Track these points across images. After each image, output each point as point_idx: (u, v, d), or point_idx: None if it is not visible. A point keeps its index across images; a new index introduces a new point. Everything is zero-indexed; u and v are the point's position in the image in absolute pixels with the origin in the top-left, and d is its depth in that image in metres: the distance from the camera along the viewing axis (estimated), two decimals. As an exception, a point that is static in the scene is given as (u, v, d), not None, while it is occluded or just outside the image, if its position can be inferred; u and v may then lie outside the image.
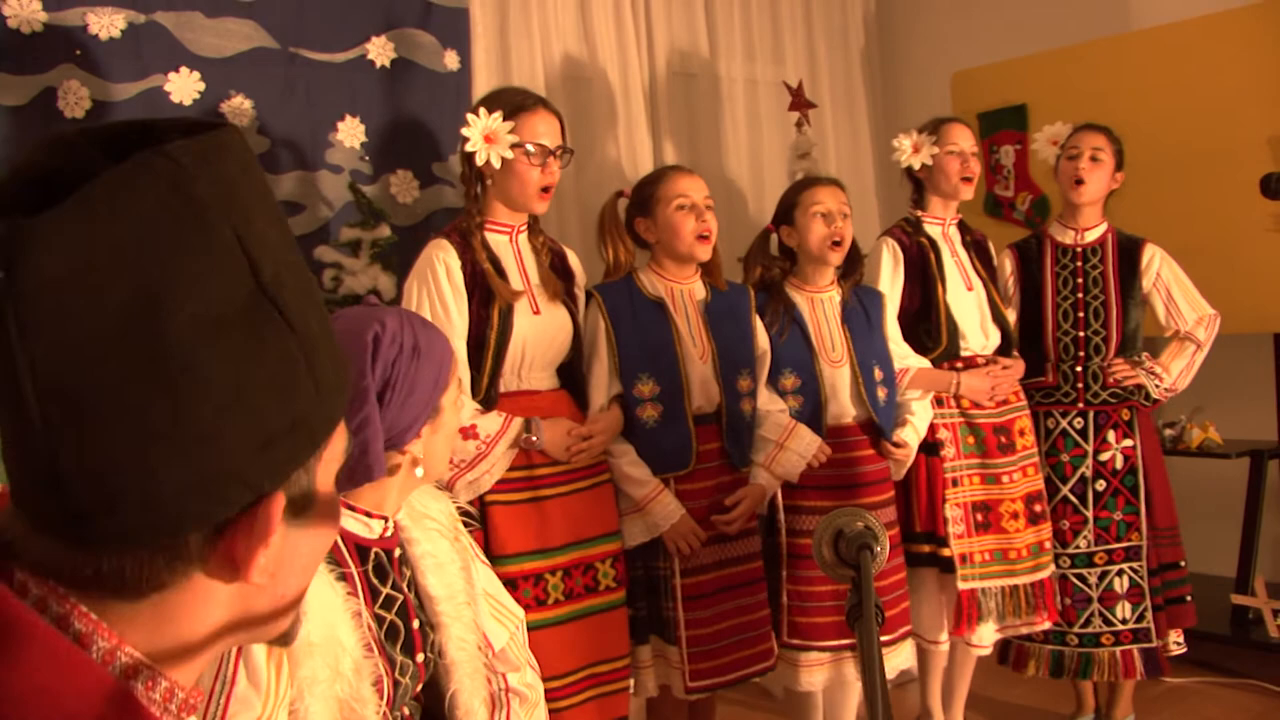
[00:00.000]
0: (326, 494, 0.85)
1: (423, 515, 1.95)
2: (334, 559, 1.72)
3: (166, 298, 0.70)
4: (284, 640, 0.90)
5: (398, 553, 1.87)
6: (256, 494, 0.76)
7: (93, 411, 0.71)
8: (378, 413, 1.69)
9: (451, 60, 3.55)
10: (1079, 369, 3.60)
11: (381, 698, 1.72)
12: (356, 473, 1.64)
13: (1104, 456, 3.58)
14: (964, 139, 3.60)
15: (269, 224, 0.77)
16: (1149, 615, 3.56)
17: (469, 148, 2.82)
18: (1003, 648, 3.75)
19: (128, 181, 0.71)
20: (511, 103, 2.88)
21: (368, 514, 1.81)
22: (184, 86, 3.06)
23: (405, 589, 1.86)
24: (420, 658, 1.84)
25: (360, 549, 1.80)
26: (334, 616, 1.65)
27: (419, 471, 1.81)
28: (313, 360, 0.78)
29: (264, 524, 0.77)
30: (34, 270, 0.68)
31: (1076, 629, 3.59)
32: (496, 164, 2.82)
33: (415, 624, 1.85)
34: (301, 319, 0.77)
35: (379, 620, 1.78)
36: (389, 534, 1.85)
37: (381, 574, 1.82)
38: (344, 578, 1.71)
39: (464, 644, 1.91)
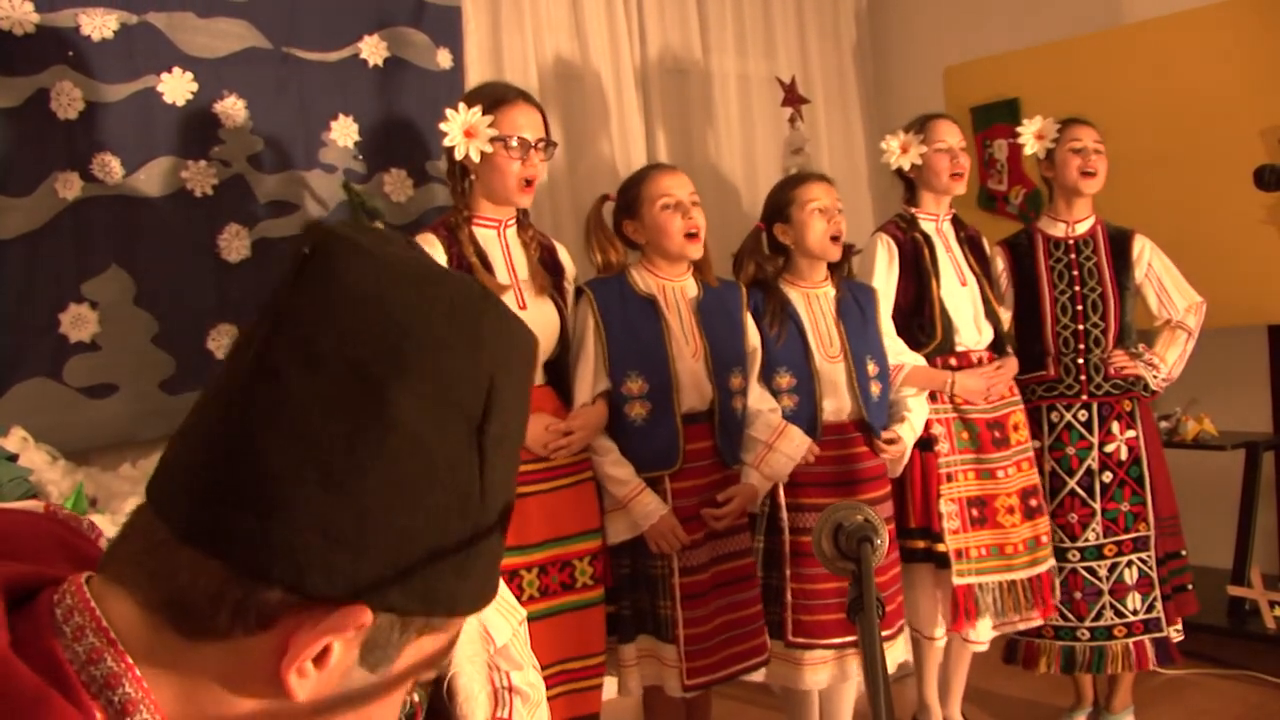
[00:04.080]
0: (395, 682, 0.80)
1: None
2: None
3: (410, 371, 0.73)
4: None
5: None
6: (353, 594, 0.72)
7: (292, 426, 0.72)
8: None
9: (444, 59, 3.55)
10: (1080, 361, 3.61)
11: None
12: None
13: (1109, 448, 3.59)
14: (951, 135, 3.60)
15: (517, 409, 0.80)
16: (1158, 605, 3.58)
17: (447, 142, 2.83)
18: (1010, 646, 3.75)
19: (447, 275, 0.78)
20: (491, 96, 2.89)
21: None
22: (177, 87, 3.05)
23: None
24: None
25: None
26: None
27: None
28: (476, 528, 0.77)
29: (340, 621, 0.72)
30: (327, 283, 0.74)
31: (1088, 623, 3.59)
32: (475, 158, 2.83)
33: None
34: (491, 487, 0.77)
35: None
36: None
37: None
38: None
39: (464, 625, 1.91)
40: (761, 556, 3.26)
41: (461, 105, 2.85)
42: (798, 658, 3.24)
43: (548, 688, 2.79)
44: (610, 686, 3.09)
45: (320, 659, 0.74)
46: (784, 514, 3.25)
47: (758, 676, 3.27)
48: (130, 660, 0.71)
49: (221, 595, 0.71)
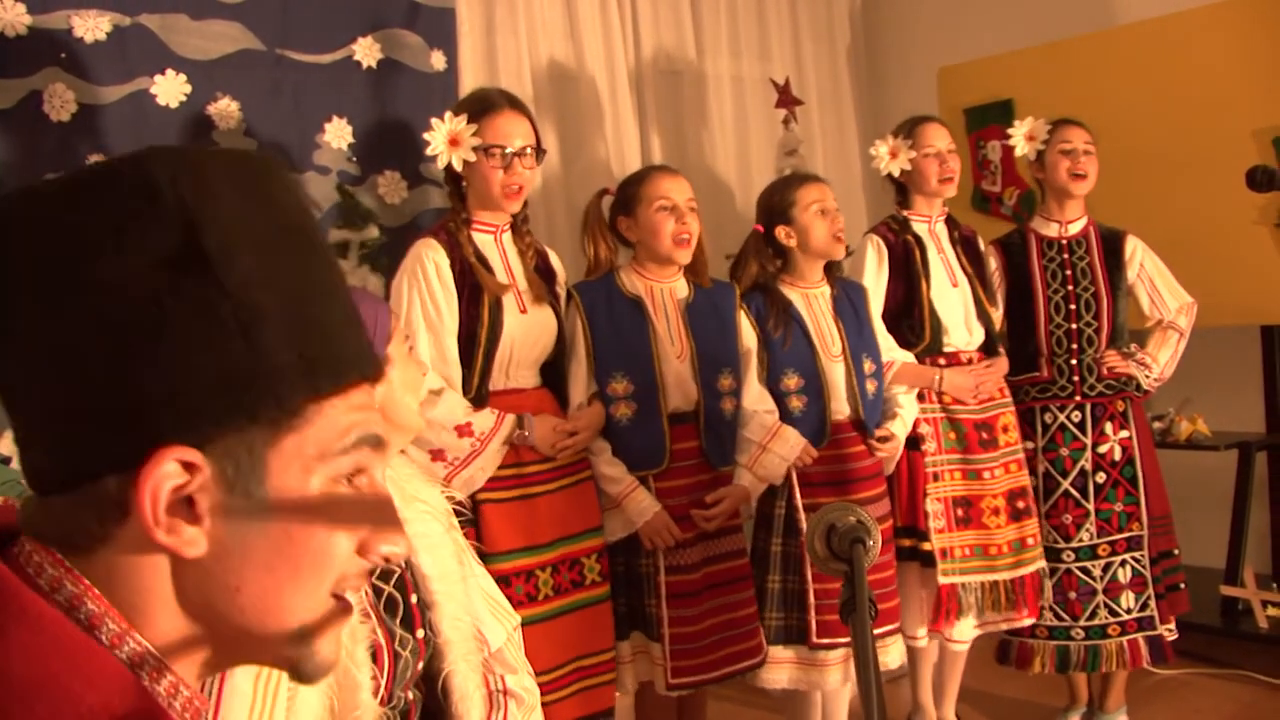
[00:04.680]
0: (292, 495, 0.83)
1: (413, 498, 1.97)
2: None
3: (98, 248, 0.78)
4: (298, 675, 0.88)
5: None
6: (158, 439, 0.77)
7: (21, 339, 0.80)
8: None
9: (438, 60, 3.55)
10: (1074, 362, 3.61)
11: (380, 667, 1.74)
12: None
13: (1102, 449, 3.60)
14: (939, 139, 3.61)
15: (247, 211, 0.82)
16: (1152, 603, 3.58)
17: (429, 151, 2.86)
18: (1004, 647, 3.76)
19: (112, 161, 0.82)
20: (477, 105, 2.92)
21: None
22: (170, 89, 3.05)
23: (401, 564, 1.88)
24: (420, 634, 1.86)
25: None
26: None
27: None
28: (251, 328, 0.80)
29: (149, 468, 0.77)
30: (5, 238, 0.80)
31: (1082, 622, 3.60)
32: (458, 166, 2.85)
33: (414, 599, 1.87)
34: (245, 290, 0.80)
35: (377, 591, 1.80)
36: None
37: None
38: None
39: (458, 623, 1.93)
40: (779, 561, 3.27)
41: (448, 114, 2.87)
42: (822, 660, 3.24)
43: (564, 686, 2.83)
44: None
45: (190, 513, 0.79)
46: (801, 515, 3.25)
47: (774, 685, 3.27)
48: (87, 582, 0.79)
49: (79, 508, 0.80)
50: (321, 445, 0.84)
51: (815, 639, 3.22)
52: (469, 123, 2.84)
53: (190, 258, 0.79)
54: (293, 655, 0.86)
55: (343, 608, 0.89)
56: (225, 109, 3.14)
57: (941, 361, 3.54)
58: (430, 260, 2.80)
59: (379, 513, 0.90)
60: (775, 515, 3.28)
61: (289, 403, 0.82)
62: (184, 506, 0.79)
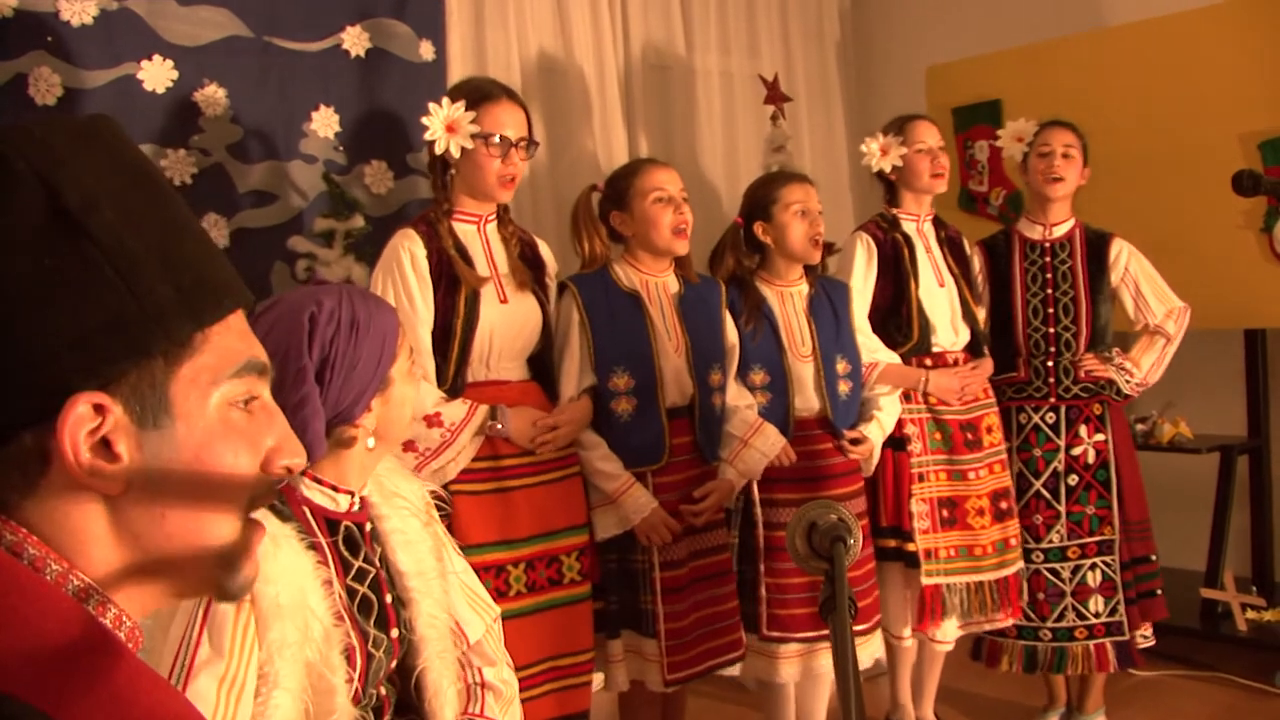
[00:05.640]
0: (196, 419, 0.90)
1: (393, 494, 1.96)
2: (302, 529, 1.73)
3: None
4: (223, 594, 0.96)
5: (368, 527, 1.89)
6: (67, 389, 0.84)
7: None
8: (317, 392, 1.73)
9: (427, 50, 3.54)
10: (1050, 364, 3.62)
11: (354, 669, 1.72)
12: None
13: (1076, 451, 3.60)
14: (930, 136, 3.61)
15: (103, 178, 0.89)
16: (1121, 608, 3.58)
17: (428, 136, 2.82)
18: (975, 644, 3.77)
19: None
20: (476, 93, 2.88)
21: (333, 488, 1.83)
22: (157, 74, 3.03)
23: (377, 563, 1.87)
24: (395, 633, 1.85)
25: (330, 522, 1.82)
26: (304, 581, 1.66)
27: (370, 442, 1.83)
28: (128, 272, 0.86)
29: (61, 419, 0.83)
30: None
31: (1050, 624, 3.60)
32: (456, 153, 2.83)
33: (388, 598, 1.86)
34: (114, 238, 0.86)
35: (351, 592, 1.79)
36: (356, 508, 1.87)
37: (353, 547, 1.83)
38: (314, 547, 1.73)
39: (434, 621, 1.92)
40: (736, 551, 3.27)
41: (445, 100, 2.84)
42: (773, 651, 3.26)
43: (537, 685, 2.80)
44: (597, 682, 3.08)
45: (109, 453, 0.86)
46: (758, 509, 3.26)
47: (733, 671, 3.28)
48: (25, 530, 0.85)
49: (2, 467, 0.85)
50: (214, 370, 0.92)
51: (766, 631, 3.24)
52: (467, 110, 2.82)
53: (58, 220, 0.85)
54: (218, 576, 0.94)
55: (256, 526, 0.97)
56: (212, 95, 3.12)
57: (928, 362, 3.54)
58: (406, 251, 2.78)
59: (275, 430, 0.97)
60: (733, 507, 3.29)
61: (178, 334, 0.89)
62: (102, 448, 0.86)
